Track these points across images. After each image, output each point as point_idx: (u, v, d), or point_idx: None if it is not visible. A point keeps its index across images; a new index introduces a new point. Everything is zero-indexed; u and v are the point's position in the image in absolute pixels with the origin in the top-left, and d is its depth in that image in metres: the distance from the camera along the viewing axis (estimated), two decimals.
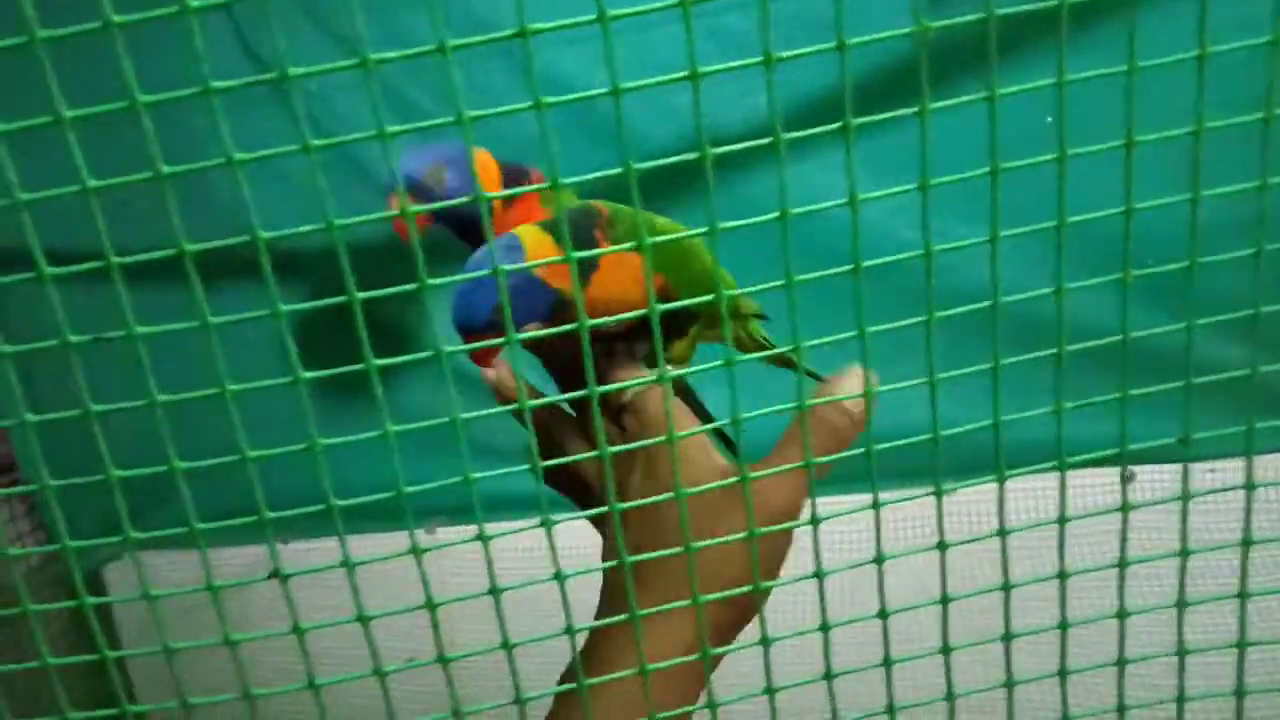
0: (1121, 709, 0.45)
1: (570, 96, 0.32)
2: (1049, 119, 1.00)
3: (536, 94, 0.30)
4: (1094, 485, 1.31)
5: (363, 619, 0.37)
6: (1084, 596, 0.48)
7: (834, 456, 0.48)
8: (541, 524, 0.37)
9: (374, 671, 0.38)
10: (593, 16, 0.30)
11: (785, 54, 0.30)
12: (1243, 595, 0.43)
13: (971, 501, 1.20)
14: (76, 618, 1.62)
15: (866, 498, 0.39)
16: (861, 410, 0.51)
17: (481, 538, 0.37)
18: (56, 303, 0.33)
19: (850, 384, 0.48)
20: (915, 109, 0.31)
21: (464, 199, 0.32)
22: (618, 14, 0.31)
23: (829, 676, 0.42)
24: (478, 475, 0.36)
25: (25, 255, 0.31)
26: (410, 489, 0.36)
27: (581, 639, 0.40)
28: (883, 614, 0.41)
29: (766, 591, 0.49)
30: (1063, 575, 0.42)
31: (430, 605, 0.37)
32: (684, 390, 0.70)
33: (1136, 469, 1.28)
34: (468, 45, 0.28)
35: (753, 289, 0.37)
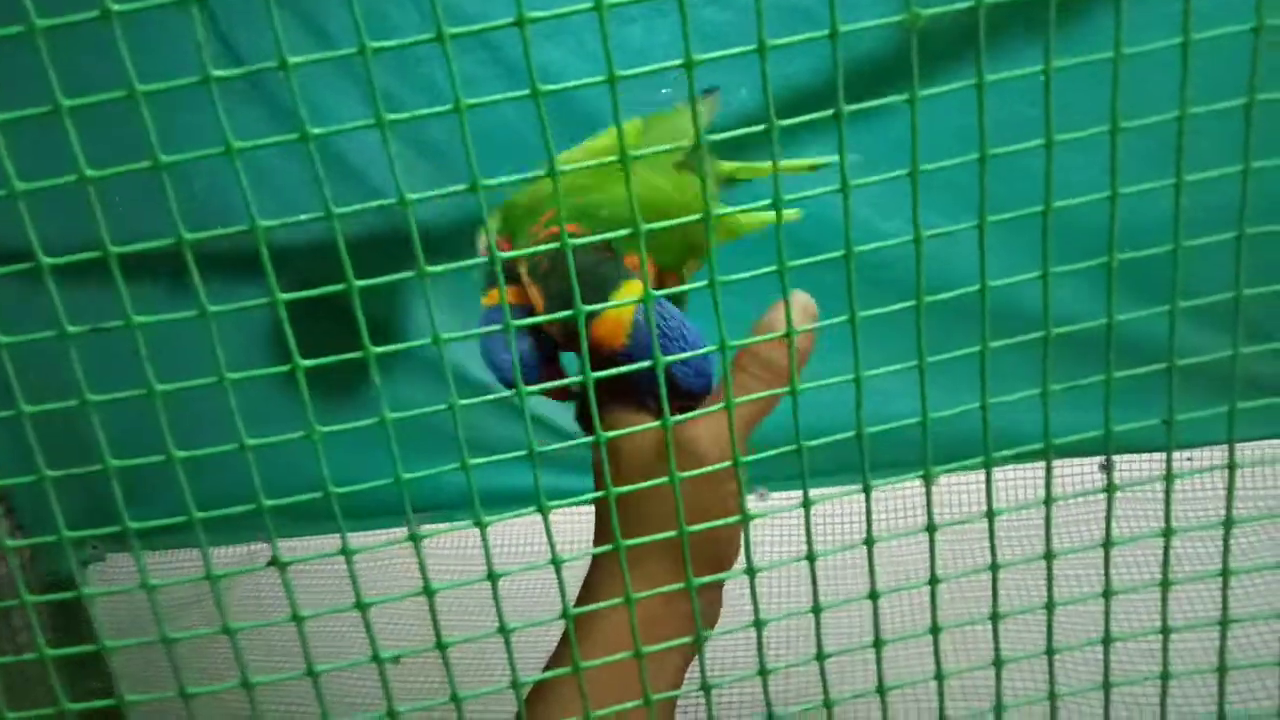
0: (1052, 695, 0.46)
1: (496, 99, 0.32)
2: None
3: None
4: (1072, 474, 1.33)
5: (297, 618, 0.36)
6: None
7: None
8: (476, 523, 0.36)
9: (308, 672, 0.37)
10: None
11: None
12: (1163, 584, 0.44)
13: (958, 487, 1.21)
14: (55, 620, 1.60)
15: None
16: (806, 341, 0.51)
17: (413, 537, 0.36)
18: None
19: (783, 317, 0.48)
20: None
21: None
22: (536, 16, 0.31)
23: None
24: (408, 475, 0.36)
25: None
26: (342, 489, 0.35)
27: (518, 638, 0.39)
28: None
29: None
30: (994, 567, 0.42)
31: (360, 606, 0.36)
32: None
33: (1116, 457, 1.30)
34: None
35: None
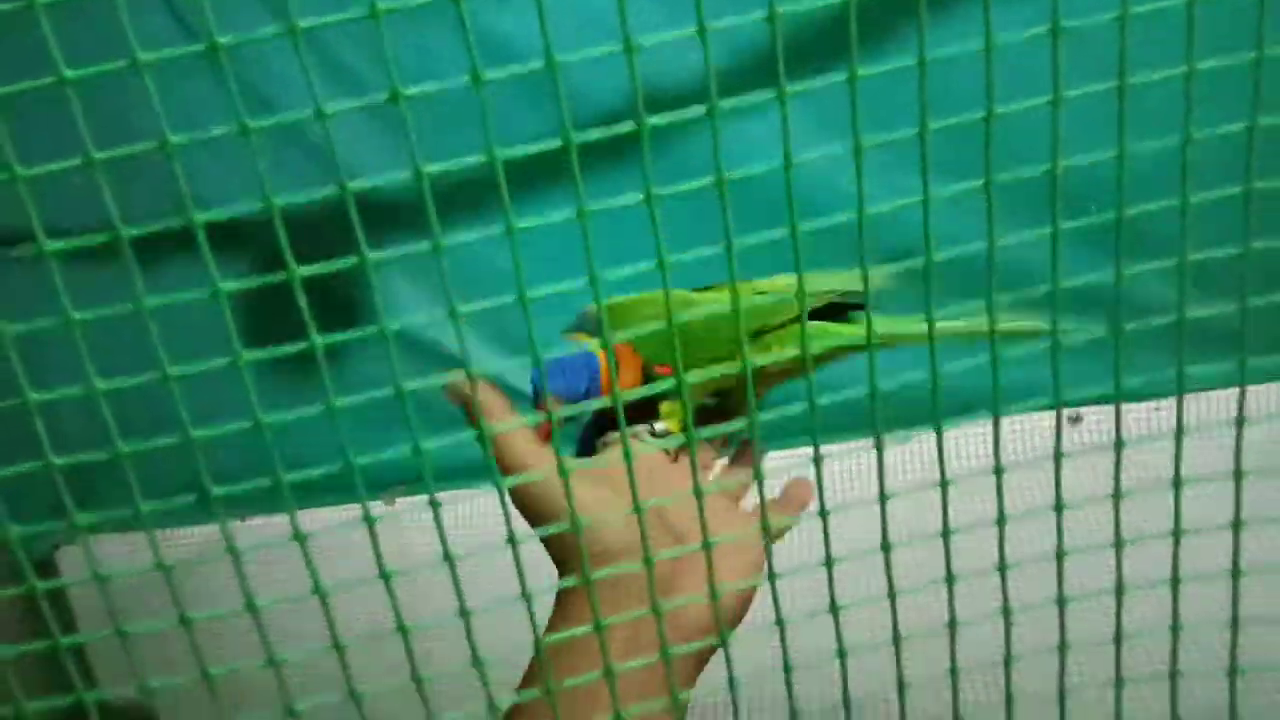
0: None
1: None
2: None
3: None
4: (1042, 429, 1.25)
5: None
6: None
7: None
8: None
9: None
10: None
11: None
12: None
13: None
14: (29, 605, 1.57)
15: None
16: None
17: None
18: None
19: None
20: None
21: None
22: None
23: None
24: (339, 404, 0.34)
25: None
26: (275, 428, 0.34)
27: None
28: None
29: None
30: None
31: (297, 535, 0.36)
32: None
33: (1083, 410, 1.21)
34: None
35: None
